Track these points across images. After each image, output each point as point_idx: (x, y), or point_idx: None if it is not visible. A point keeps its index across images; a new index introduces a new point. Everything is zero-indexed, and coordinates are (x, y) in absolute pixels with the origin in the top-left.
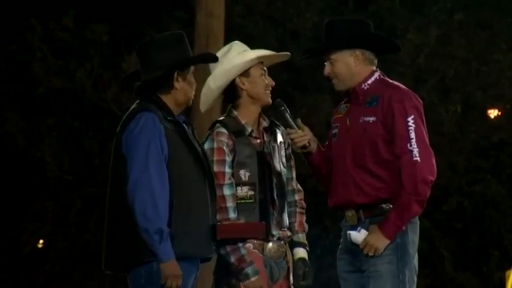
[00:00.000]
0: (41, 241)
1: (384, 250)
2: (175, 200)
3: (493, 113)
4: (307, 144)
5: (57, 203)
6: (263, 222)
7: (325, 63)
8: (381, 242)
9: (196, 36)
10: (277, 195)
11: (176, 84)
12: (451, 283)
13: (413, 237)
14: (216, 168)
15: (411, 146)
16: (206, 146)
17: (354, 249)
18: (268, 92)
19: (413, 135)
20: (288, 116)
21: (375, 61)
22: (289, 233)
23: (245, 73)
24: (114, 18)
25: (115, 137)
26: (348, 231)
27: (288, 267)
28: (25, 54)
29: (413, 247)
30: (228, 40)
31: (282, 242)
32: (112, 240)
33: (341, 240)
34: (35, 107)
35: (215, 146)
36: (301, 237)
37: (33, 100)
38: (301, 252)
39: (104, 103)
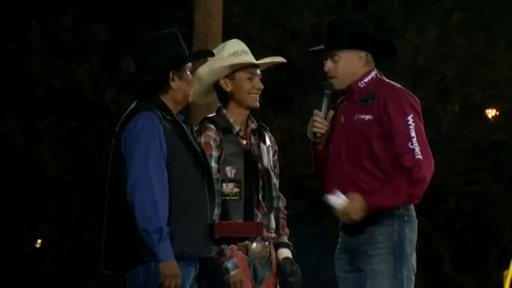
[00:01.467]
0: (40, 241)
1: (382, 249)
2: (174, 200)
3: (491, 112)
4: (319, 135)
5: (57, 203)
6: (261, 222)
7: (325, 61)
8: (359, 214)
9: (195, 36)
10: (263, 197)
11: (173, 84)
12: (449, 283)
13: (411, 236)
14: None
15: (412, 144)
16: None
17: (352, 248)
18: (254, 95)
19: (413, 133)
20: (325, 100)
21: (373, 63)
22: (274, 235)
23: (230, 75)
24: (113, 19)
25: (114, 136)
26: (327, 195)
27: (275, 266)
28: (24, 54)
29: (411, 246)
30: (226, 40)
31: (267, 242)
32: (111, 240)
33: (339, 240)
34: (34, 107)
35: (202, 140)
36: (285, 238)
37: (32, 100)
38: (286, 252)
39: (103, 103)
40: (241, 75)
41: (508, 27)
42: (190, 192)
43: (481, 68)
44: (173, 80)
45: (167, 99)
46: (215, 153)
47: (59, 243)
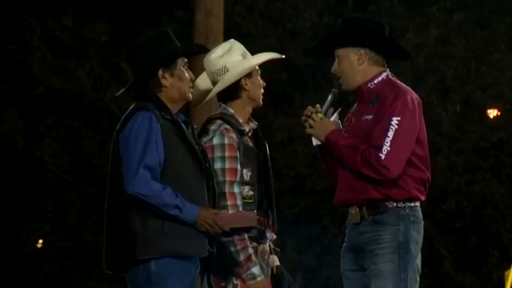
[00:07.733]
0: (40, 241)
1: (387, 249)
2: None
3: (492, 112)
4: (306, 130)
5: (57, 202)
6: (255, 211)
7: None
8: (319, 134)
9: (195, 36)
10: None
11: (164, 82)
12: (450, 283)
13: (417, 237)
14: (228, 165)
15: (386, 143)
16: (215, 141)
17: (358, 247)
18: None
19: (391, 134)
20: (330, 97)
21: (384, 63)
22: (274, 236)
23: (249, 74)
24: (113, 18)
25: (113, 136)
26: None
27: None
28: (24, 54)
29: (416, 247)
30: (227, 40)
31: (268, 242)
32: (110, 240)
33: (345, 238)
34: (34, 107)
35: (226, 141)
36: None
37: (32, 100)
38: (277, 260)
39: (103, 103)
40: (256, 74)
41: (508, 27)
42: (189, 192)
43: (481, 68)
44: (165, 78)
45: (163, 98)
46: (239, 155)
47: (59, 243)
